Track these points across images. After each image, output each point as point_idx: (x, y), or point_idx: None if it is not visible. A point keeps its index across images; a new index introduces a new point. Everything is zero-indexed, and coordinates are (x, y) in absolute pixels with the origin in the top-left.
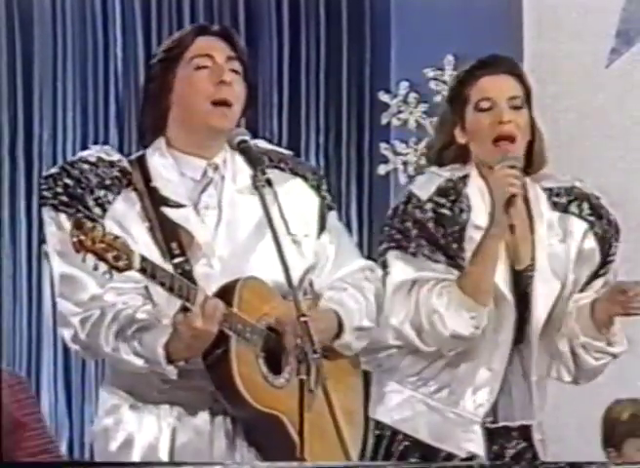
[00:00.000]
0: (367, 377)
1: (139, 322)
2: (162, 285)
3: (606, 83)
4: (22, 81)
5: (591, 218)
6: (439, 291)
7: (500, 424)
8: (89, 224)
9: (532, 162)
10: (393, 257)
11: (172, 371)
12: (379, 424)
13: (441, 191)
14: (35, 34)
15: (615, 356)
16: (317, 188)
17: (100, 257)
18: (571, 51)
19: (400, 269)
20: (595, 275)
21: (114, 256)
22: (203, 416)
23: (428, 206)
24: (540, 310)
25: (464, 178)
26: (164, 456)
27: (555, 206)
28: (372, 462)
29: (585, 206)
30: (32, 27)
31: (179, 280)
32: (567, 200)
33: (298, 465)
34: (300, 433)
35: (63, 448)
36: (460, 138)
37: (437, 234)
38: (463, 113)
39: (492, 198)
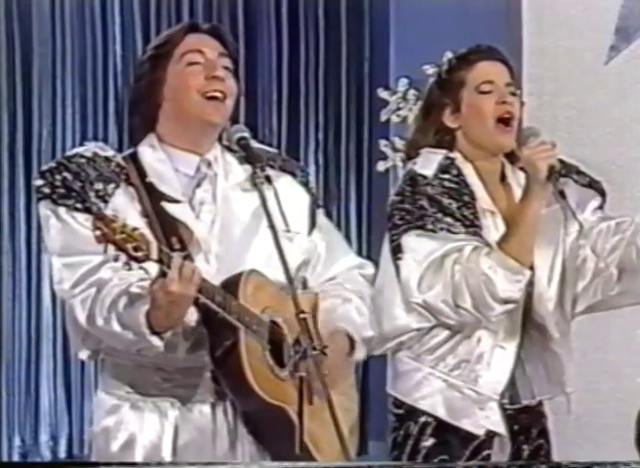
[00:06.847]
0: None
1: (130, 294)
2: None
3: (605, 80)
4: (22, 78)
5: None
6: (480, 255)
7: (523, 404)
8: (109, 216)
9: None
10: (413, 238)
11: (157, 343)
12: (397, 402)
13: (443, 167)
14: (34, 31)
15: None
16: (306, 185)
17: (121, 248)
18: (570, 48)
19: (424, 247)
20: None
21: (134, 247)
22: (205, 414)
23: (436, 182)
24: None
25: (455, 160)
26: (167, 455)
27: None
28: (374, 462)
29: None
30: (31, 25)
31: (160, 248)
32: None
33: (296, 465)
34: (300, 430)
35: (63, 446)
36: (451, 123)
37: (452, 207)
38: (458, 96)
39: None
